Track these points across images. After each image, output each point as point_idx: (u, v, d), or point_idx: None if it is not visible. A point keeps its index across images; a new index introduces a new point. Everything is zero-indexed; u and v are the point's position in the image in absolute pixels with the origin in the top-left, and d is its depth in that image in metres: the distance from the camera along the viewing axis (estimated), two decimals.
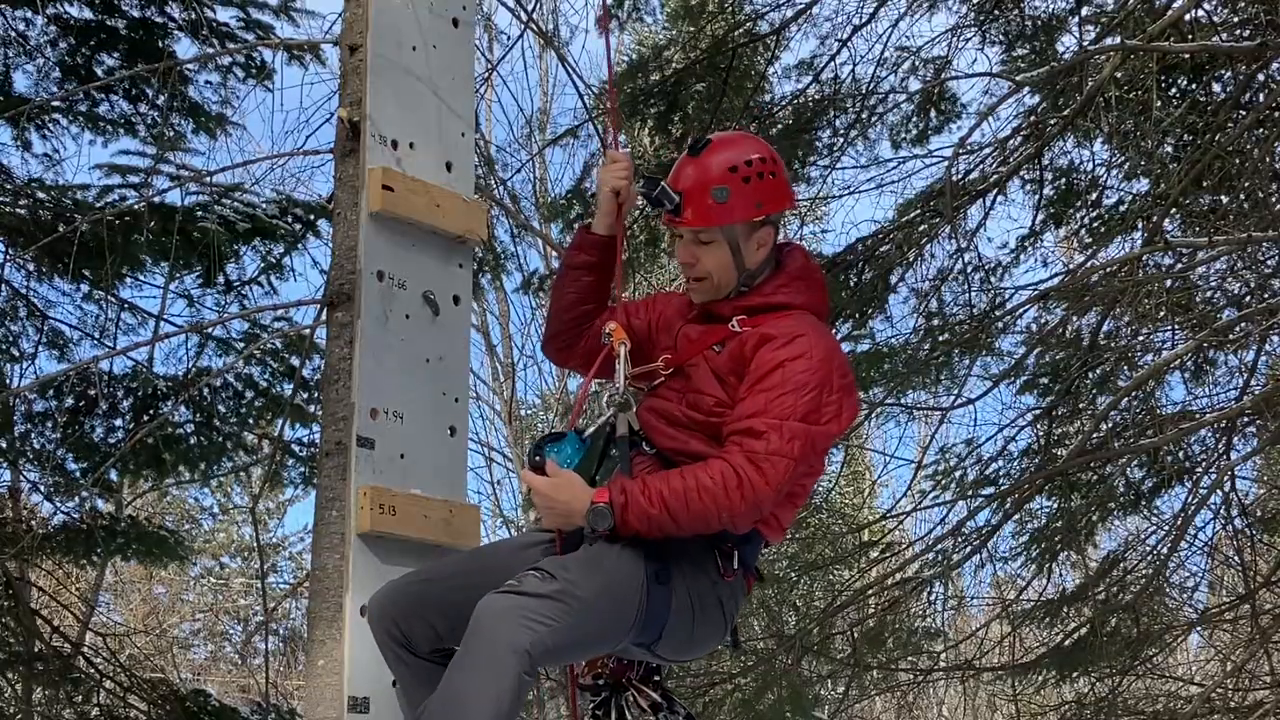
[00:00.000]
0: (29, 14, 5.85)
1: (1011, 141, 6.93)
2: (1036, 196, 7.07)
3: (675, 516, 2.59)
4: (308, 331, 4.91)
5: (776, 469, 2.60)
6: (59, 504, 6.66)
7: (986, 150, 7.01)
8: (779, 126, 7.19)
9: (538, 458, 2.73)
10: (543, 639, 2.49)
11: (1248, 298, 6.80)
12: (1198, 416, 6.99)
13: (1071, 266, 7.39)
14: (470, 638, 2.49)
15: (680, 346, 2.90)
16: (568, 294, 3.07)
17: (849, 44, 7.14)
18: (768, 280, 2.87)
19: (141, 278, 6.25)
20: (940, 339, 7.13)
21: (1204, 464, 7.36)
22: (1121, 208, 7.14)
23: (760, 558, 2.91)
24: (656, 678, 2.88)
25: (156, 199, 5.71)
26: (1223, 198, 6.49)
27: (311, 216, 6.31)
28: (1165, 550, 7.44)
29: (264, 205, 6.18)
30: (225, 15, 6.08)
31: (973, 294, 7.08)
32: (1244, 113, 6.09)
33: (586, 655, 2.77)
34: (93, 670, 6.92)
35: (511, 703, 2.45)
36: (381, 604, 2.83)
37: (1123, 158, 6.95)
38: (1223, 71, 6.55)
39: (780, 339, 2.72)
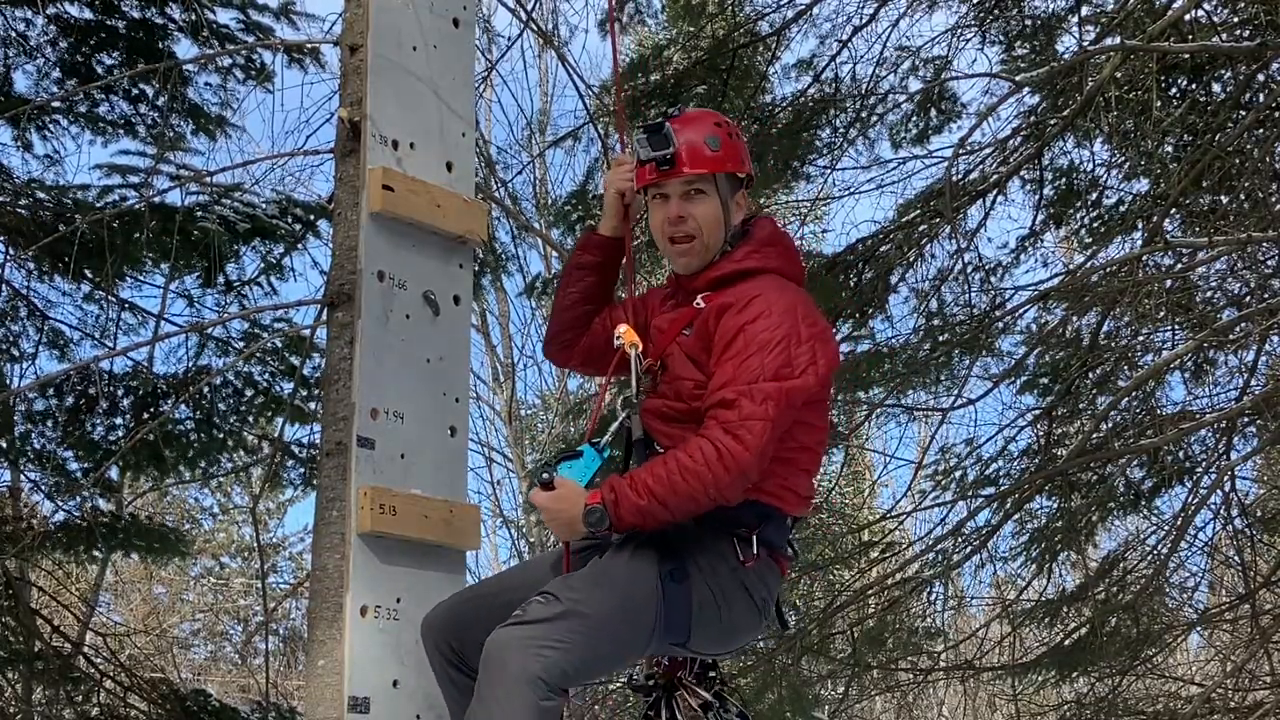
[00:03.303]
0: (29, 14, 5.84)
1: (1011, 141, 6.94)
2: (1036, 196, 7.08)
3: (664, 502, 2.59)
4: (308, 332, 4.90)
5: (754, 433, 2.59)
6: (60, 503, 6.65)
7: (986, 150, 7.02)
8: (779, 126, 7.19)
9: (545, 475, 2.72)
10: (556, 663, 2.49)
11: (1248, 298, 6.81)
12: (1198, 416, 7.00)
13: (1071, 266, 7.39)
14: (483, 673, 2.49)
15: (654, 340, 2.90)
16: (570, 293, 3.08)
17: (849, 44, 7.16)
18: (737, 248, 2.87)
19: (141, 278, 6.24)
20: (940, 339, 7.13)
21: (1204, 464, 7.36)
22: (1121, 208, 7.15)
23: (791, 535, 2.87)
24: (712, 674, 2.86)
25: (156, 199, 5.69)
26: (1223, 198, 6.49)
27: (311, 216, 6.29)
28: (1165, 550, 7.45)
29: (264, 205, 6.17)
30: (225, 17, 6.08)
31: (973, 294, 7.09)
32: (1244, 113, 6.09)
33: (615, 667, 2.75)
34: (93, 670, 6.90)
35: None
36: (435, 623, 2.86)
37: (1123, 158, 6.95)
38: (1223, 71, 6.55)
39: (737, 305, 2.72)
